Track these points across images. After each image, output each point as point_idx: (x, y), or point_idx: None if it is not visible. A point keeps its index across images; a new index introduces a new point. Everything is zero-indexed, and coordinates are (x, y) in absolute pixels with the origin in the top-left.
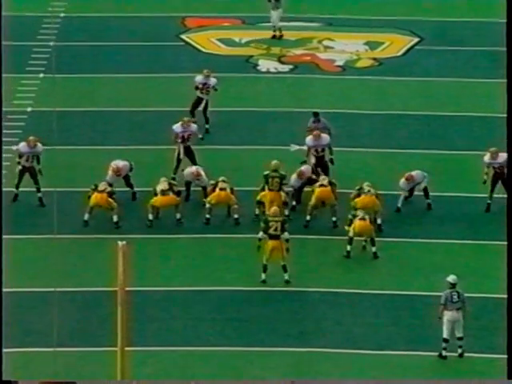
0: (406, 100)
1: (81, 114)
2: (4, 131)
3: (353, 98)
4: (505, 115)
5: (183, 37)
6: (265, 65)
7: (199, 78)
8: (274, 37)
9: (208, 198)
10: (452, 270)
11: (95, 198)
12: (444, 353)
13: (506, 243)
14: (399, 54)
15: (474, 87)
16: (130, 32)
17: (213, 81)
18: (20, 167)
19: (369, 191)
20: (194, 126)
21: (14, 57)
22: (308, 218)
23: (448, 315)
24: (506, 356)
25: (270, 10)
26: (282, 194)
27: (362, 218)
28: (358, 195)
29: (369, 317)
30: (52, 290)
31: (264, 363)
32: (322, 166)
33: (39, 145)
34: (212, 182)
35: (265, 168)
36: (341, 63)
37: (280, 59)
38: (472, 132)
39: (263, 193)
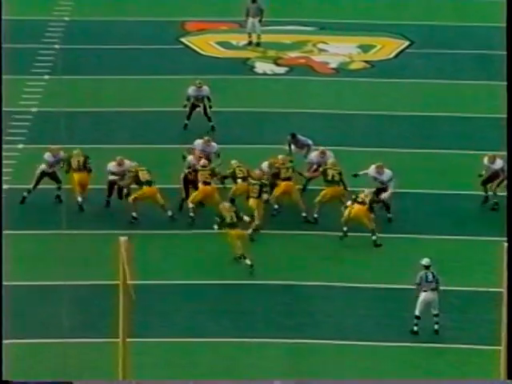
0: (396, 101)
1: (85, 114)
2: (10, 131)
3: (346, 99)
4: (492, 115)
5: (183, 40)
6: (261, 67)
7: (192, 91)
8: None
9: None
10: (441, 264)
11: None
12: (415, 328)
13: (491, 238)
14: (390, 56)
15: (462, 89)
16: (132, 35)
17: (206, 91)
18: (41, 171)
19: (362, 202)
20: (214, 145)
21: (20, 59)
22: (276, 206)
23: (424, 295)
24: (492, 347)
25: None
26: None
27: (362, 202)
28: (354, 201)
29: (361, 309)
30: (61, 283)
31: (260, 353)
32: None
33: (61, 153)
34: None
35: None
36: (334, 65)
37: (276, 62)
38: (459, 132)
39: (250, 200)
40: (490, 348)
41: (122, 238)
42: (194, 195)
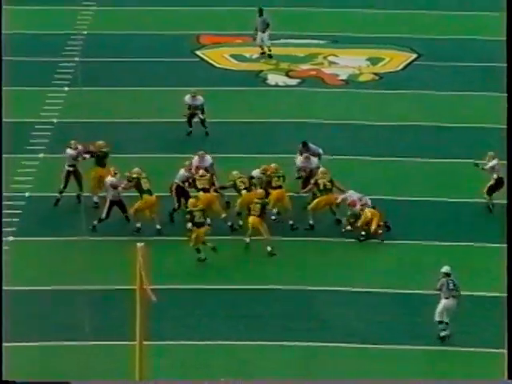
0: (404, 112)
1: (103, 124)
2: (31, 141)
3: (355, 110)
4: (496, 126)
5: (198, 53)
6: (274, 79)
7: (188, 99)
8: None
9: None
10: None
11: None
12: (443, 333)
13: (497, 245)
14: (398, 68)
15: (468, 100)
16: (148, 48)
17: (200, 101)
18: (66, 171)
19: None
20: (208, 159)
21: (41, 71)
22: (274, 214)
23: (444, 302)
24: (496, 350)
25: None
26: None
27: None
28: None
29: (371, 314)
30: (80, 288)
31: (272, 356)
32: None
33: (80, 146)
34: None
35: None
36: (344, 77)
37: (288, 74)
38: (466, 141)
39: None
40: (495, 351)
41: (139, 244)
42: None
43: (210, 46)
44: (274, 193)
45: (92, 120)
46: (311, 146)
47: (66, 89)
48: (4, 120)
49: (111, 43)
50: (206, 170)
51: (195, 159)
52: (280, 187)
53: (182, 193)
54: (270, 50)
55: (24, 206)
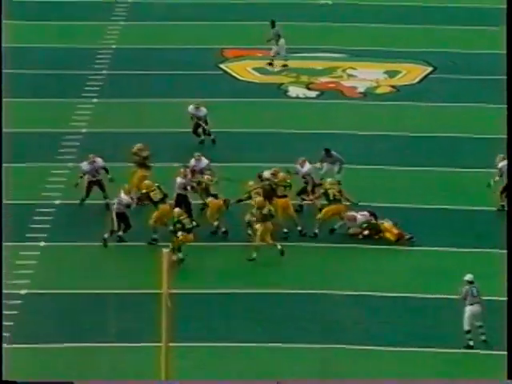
0: (420, 123)
1: (130, 134)
2: (60, 150)
3: (373, 121)
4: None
5: (222, 66)
6: (294, 91)
7: (192, 109)
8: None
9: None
10: (460, 275)
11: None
12: (471, 343)
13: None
14: (415, 81)
15: (481, 112)
16: (174, 62)
17: (203, 112)
18: (88, 181)
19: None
20: (204, 161)
21: (71, 84)
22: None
23: (470, 309)
24: (506, 352)
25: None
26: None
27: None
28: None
29: (385, 317)
30: (108, 292)
31: (290, 358)
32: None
33: (98, 159)
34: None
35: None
36: (362, 90)
37: (308, 86)
38: (479, 152)
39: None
40: (504, 353)
41: (165, 250)
42: (210, 214)
43: (233, 60)
44: (280, 202)
45: (119, 130)
46: (333, 153)
47: (95, 100)
48: (35, 130)
49: (138, 57)
50: (202, 171)
51: (191, 161)
52: (285, 196)
53: (182, 201)
54: (272, 60)
55: (54, 212)
